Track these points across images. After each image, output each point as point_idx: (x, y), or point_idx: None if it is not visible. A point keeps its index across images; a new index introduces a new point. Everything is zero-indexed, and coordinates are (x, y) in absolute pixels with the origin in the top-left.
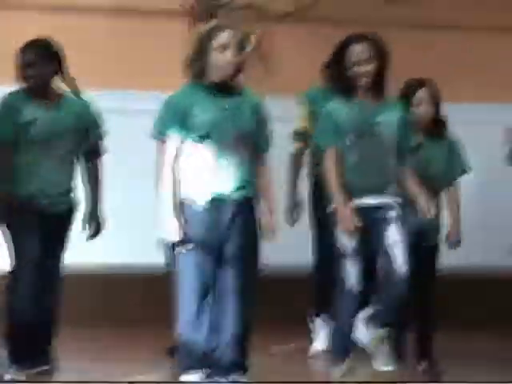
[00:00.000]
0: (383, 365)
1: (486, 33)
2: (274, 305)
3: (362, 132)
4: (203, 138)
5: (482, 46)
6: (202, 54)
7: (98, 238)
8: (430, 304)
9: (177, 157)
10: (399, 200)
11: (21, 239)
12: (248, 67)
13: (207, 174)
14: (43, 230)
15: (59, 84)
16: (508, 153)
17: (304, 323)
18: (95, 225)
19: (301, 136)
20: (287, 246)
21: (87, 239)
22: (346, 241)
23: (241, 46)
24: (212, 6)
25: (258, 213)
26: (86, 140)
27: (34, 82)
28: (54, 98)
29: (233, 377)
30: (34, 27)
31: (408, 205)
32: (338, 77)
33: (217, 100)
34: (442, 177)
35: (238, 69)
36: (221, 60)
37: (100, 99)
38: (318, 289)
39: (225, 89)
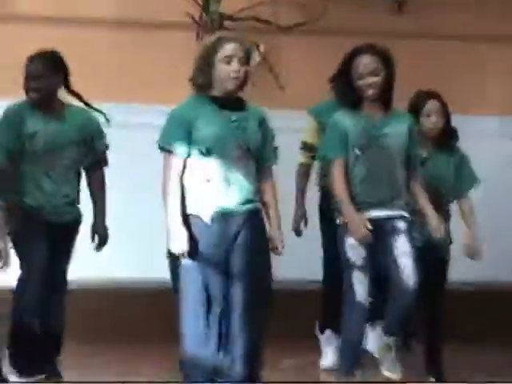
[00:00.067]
0: (390, 372)
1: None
2: (283, 319)
3: (369, 144)
4: (208, 151)
5: (490, 56)
6: (207, 66)
7: (104, 252)
8: (438, 316)
9: (183, 170)
10: (408, 213)
11: (28, 248)
12: (256, 79)
13: (213, 187)
14: (49, 240)
15: (64, 95)
16: None
17: (313, 337)
18: (101, 235)
19: (309, 148)
20: (295, 260)
21: (94, 249)
22: (354, 252)
23: (247, 58)
24: (218, 18)
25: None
26: (89, 151)
27: (39, 94)
28: (58, 109)
29: None
30: (37, 39)
31: (417, 216)
32: (345, 88)
33: (222, 113)
34: (450, 189)
35: (244, 81)
36: (226, 71)
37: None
38: (326, 302)
39: (230, 102)
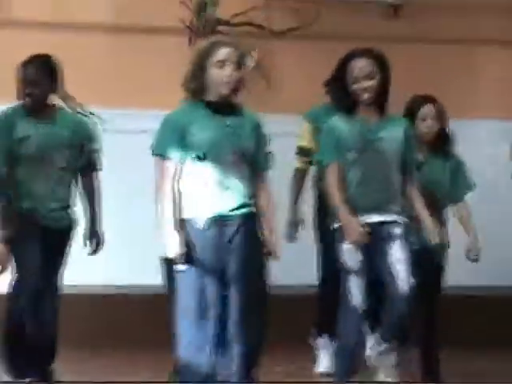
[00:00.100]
0: (385, 377)
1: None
2: (279, 324)
3: (364, 148)
4: (203, 155)
5: (485, 60)
6: (200, 71)
7: (98, 257)
8: (434, 320)
9: (177, 175)
10: (404, 218)
11: (22, 252)
12: (250, 84)
13: (208, 192)
14: (44, 244)
15: (56, 100)
16: None
17: (308, 342)
18: (95, 240)
19: (305, 153)
20: (291, 265)
21: (89, 254)
22: (351, 257)
23: (240, 63)
24: (212, 23)
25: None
26: (81, 154)
27: (34, 99)
28: (50, 112)
29: None
30: (33, 45)
31: (413, 221)
32: (340, 92)
33: (216, 118)
34: (446, 194)
35: (238, 85)
36: (219, 76)
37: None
38: (322, 308)
39: (224, 106)
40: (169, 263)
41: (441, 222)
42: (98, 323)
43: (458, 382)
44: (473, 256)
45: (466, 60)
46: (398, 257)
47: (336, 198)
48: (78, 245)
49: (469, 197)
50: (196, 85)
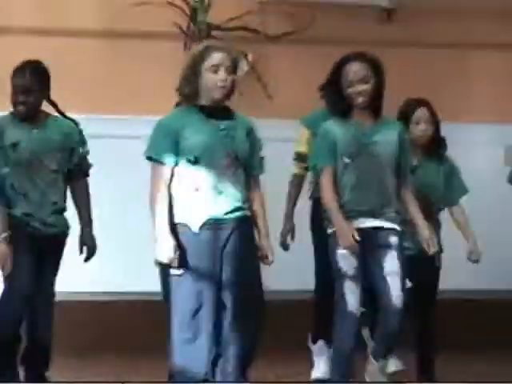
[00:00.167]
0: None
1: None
2: (275, 329)
3: (358, 151)
4: (197, 159)
5: (479, 64)
6: (194, 75)
7: (92, 264)
8: (430, 325)
9: (170, 179)
10: (398, 223)
11: (15, 258)
12: (244, 88)
13: (202, 195)
14: (37, 251)
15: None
16: (509, 174)
17: (305, 348)
18: (89, 247)
19: (302, 158)
20: (287, 270)
21: (84, 261)
22: (346, 262)
23: (234, 67)
24: (206, 28)
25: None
26: (71, 159)
27: (27, 107)
28: (40, 118)
29: None
30: (25, 51)
31: (408, 226)
32: (335, 96)
33: (210, 121)
34: (440, 198)
35: (231, 90)
36: (213, 80)
37: (90, 124)
38: (318, 313)
39: (218, 110)
40: (164, 268)
41: (435, 225)
42: (91, 330)
43: None
44: (474, 258)
45: (459, 64)
46: (391, 270)
47: (330, 201)
48: (71, 250)
49: (463, 200)
50: (190, 89)
